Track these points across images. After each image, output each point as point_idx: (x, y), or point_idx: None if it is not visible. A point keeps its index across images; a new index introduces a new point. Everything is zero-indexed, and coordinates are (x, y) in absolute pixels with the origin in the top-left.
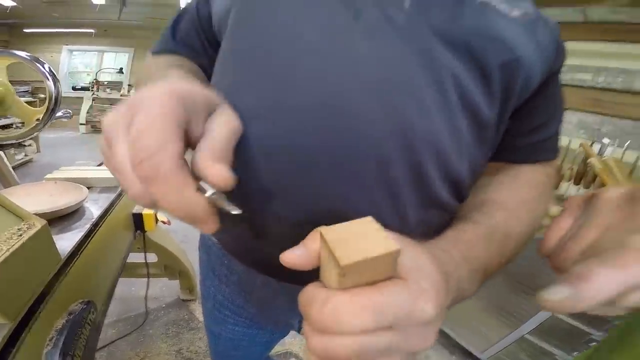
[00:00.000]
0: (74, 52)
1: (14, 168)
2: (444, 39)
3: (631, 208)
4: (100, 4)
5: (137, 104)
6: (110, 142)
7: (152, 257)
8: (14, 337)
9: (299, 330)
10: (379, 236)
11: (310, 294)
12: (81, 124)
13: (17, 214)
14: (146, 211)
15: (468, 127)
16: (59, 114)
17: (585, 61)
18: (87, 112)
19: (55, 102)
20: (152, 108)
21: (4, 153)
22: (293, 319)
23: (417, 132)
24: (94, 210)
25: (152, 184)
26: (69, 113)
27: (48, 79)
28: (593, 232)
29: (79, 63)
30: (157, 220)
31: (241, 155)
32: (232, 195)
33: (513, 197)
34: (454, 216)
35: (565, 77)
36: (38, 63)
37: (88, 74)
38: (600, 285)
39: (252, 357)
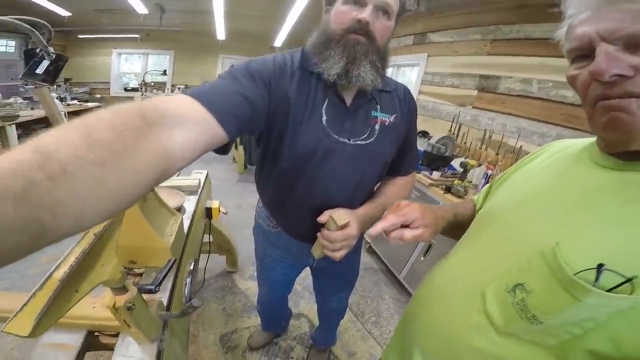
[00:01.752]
0: (123, 55)
1: None
2: (367, 154)
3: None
4: (144, 13)
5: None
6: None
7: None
8: (177, 267)
9: (312, 265)
10: (345, 215)
11: (325, 232)
12: None
13: (170, 211)
14: (214, 205)
15: (380, 174)
16: None
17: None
18: None
19: None
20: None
21: None
22: (309, 261)
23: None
24: (188, 206)
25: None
26: None
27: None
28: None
29: (128, 66)
30: (219, 211)
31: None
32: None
33: (391, 189)
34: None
35: (550, 93)
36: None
37: (136, 75)
38: (383, 222)
39: (289, 282)
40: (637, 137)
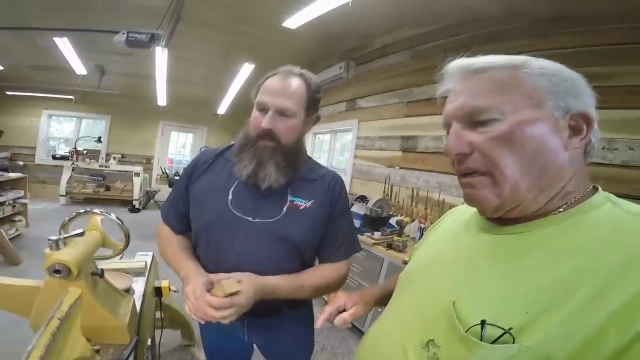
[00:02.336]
0: (53, 117)
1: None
2: (270, 232)
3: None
4: (83, 74)
5: (190, 291)
6: (188, 297)
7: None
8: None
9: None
10: (236, 284)
11: (208, 296)
12: (61, 195)
13: (120, 294)
14: (163, 284)
15: (287, 254)
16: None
17: None
18: (67, 183)
19: (128, 239)
20: (196, 292)
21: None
22: (238, 333)
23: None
24: (137, 287)
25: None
26: None
27: (121, 225)
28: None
29: (57, 130)
30: (169, 289)
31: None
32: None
33: (311, 272)
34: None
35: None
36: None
37: (66, 141)
38: (322, 315)
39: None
40: (488, 207)
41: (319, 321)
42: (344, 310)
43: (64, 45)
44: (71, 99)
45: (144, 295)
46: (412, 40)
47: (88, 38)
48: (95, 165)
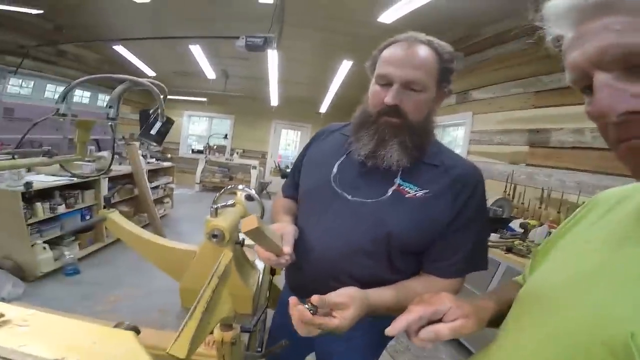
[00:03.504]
0: (192, 118)
1: None
2: (366, 214)
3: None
4: (212, 78)
5: (280, 228)
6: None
7: None
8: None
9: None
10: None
11: (300, 309)
12: (196, 183)
13: (252, 266)
14: None
15: (376, 246)
16: None
17: None
18: (201, 173)
19: (263, 211)
20: (287, 232)
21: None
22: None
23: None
24: (259, 263)
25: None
26: None
27: (259, 200)
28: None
29: (194, 128)
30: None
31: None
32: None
33: (414, 283)
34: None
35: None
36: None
37: (200, 138)
38: (408, 314)
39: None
40: None
41: (398, 324)
42: (440, 321)
43: (197, 52)
44: (204, 101)
45: (263, 271)
46: (535, 26)
47: (215, 45)
48: (222, 159)
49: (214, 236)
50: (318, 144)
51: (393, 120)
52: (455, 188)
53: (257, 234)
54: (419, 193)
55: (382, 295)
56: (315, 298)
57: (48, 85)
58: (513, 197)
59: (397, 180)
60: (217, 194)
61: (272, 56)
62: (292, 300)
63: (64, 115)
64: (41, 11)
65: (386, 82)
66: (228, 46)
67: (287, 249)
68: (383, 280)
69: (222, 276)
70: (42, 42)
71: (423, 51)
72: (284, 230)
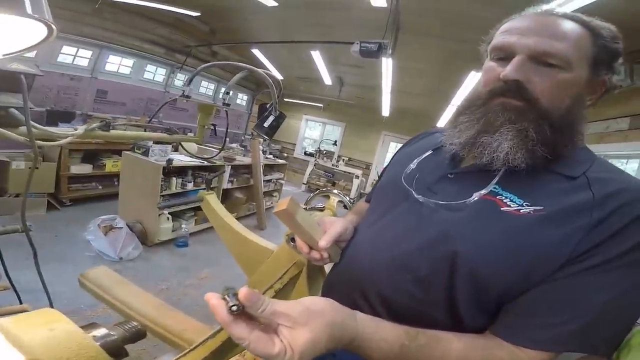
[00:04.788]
0: (309, 122)
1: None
2: (430, 221)
3: None
4: (329, 84)
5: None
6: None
7: None
8: None
9: None
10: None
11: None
12: (303, 183)
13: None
14: None
15: (434, 272)
16: None
17: None
18: (309, 175)
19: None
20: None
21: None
22: None
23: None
24: None
25: None
26: None
27: (350, 207)
28: None
29: (309, 132)
30: None
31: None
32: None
33: (456, 342)
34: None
35: None
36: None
37: (313, 141)
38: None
39: None
40: None
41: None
42: None
43: (316, 57)
44: (320, 107)
45: None
46: None
47: (333, 51)
48: (328, 164)
49: (292, 240)
50: (411, 144)
51: (513, 102)
52: (600, 210)
53: (288, 218)
54: (526, 209)
55: (381, 330)
56: (243, 291)
57: (202, 82)
58: None
59: (492, 185)
60: (311, 195)
61: (386, 64)
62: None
63: (188, 97)
64: (199, 13)
65: (505, 55)
66: (345, 53)
67: (323, 243)
68: (431, 323)
69: (288, 284)
70: (201, 42)
71: (568, 24)
72: (331, 225)
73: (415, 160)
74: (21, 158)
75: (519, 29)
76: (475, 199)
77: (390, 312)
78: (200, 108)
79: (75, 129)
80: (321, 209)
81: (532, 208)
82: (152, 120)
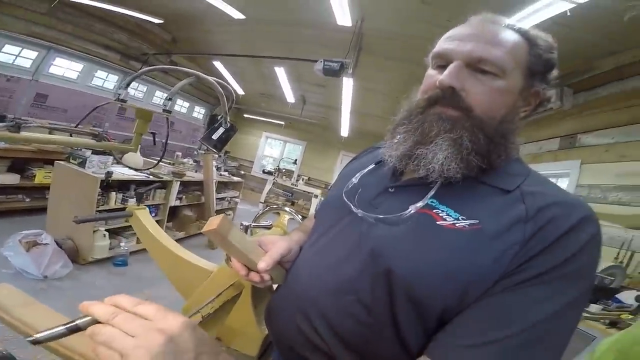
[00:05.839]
0: (268, 140)
1: None
2: (365, 236)
3: None
4: (291, 102)
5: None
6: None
7: None
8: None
9: None
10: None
11: None
12: (260, 202)
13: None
14: None
15: (372, 292)
16: None
17: None
18: (267, 194)
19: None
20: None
21: None
22: None
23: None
24: None
25: None
26: None
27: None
28: None
29: (268, 150)
30: None
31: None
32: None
33: None
34: None
35: None
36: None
37: (273, 160)
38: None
39: None
40: None
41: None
42: None
43: (281, 74)
44: (281, 125)
45: None
46: None
47: (297, 69)
48: (288, 183)
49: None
50: (358, 159)
51: (449, 111)
52: (533, 224)
53: (219, 239)
54: (461, 223)
55: None
56: None
57: (157, 91)
58: (627, 266)
59: (428, 198)
60: (260, 211)
61: (347, 84)
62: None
63: (123, 101)
64: (162, 20)
65: (443, 63)
66: (309, 71)
67: (263, 265)
68: (378, 347)
69: (221, 309)
70: (159, 51)
71: (505, 32)
72: (273, 245)
73: (358, 175)
74: None
75: (459, 35)
76: (412, 212)
77: (336, 337)
78: (139, 114)
79: None
80: (268, 227)
81: (467, 222)
82: (90, 126)
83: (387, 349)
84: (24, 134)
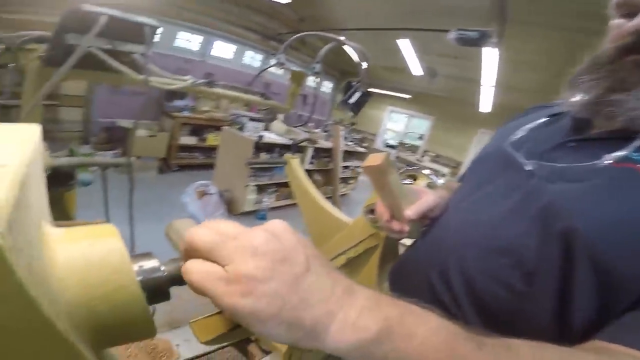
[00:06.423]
0: (392, 113)
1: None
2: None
3: None
4: (418, 75)
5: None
6: None
7: None
8: None
9: None
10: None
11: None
12: None
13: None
14: None
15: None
16: None
17: None
18: None
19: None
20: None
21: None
22: None
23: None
24: None
25: None
26: None
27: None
28: None
29: (392, 124)
30: None
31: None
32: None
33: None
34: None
35: None
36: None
37: (395, 134)
38: None
39: None
40: None
41: None
42: None
43: (405, 46)
44: (406, 98)
45: None
46: None
47: (423, 39)
48: (412, 158)
49: (371, 212)
50: (516, 119)
51: None
52: None
53: (378, 176)
54: None
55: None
56: None
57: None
58: None
59: (628, 150)
60: (399, 170)
61: (490, 55)
62: None
63: (282, 63)
64: (289, 0)
65: (631, 11)
66: (438, 42)
67: (410, 212)
68: (527, 324)
69: (362, 255)
70: (290, 30)
71: None
72: (425, 194)
73: (526, 127)
74: (143, 127)
75: None
76: (603, 164)
77: (475, 302)
78: (293, 76)
79: (185, 80)
80: (411, 183)
81: None
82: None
83: (540, 322)
84: (215, 89)
